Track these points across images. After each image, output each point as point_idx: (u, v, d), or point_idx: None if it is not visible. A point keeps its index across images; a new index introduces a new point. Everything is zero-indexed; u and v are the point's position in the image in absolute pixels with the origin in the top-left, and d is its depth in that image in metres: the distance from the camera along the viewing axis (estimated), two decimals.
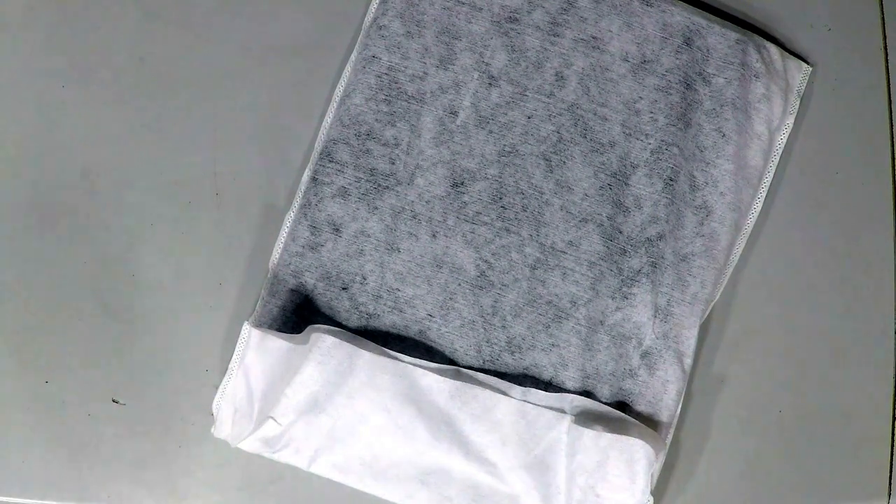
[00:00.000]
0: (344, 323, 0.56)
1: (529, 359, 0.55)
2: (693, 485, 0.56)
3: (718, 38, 0.58)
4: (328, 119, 0.58)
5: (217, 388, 0.55)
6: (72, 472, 0.55)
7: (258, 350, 0.52)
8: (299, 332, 0.54)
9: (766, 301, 0.58)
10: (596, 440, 0.51)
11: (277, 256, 0.56)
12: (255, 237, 0.58)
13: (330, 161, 0.57)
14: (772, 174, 0.59)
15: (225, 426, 0.53)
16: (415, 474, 0.53)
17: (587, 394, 0.55)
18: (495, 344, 0.55)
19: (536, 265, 0.56)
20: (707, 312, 0.57)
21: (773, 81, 0.58)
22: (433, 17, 0.58)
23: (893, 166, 0.60)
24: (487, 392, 0.53)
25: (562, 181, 0.57)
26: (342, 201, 0.56)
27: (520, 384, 0.54)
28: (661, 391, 0.55)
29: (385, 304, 0.56)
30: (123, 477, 0.55)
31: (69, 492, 0.55)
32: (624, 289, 0.56)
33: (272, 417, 0.53)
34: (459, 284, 0.56)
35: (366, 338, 0.55)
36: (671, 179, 0.57)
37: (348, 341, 0.53)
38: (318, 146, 0.58)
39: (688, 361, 0.55)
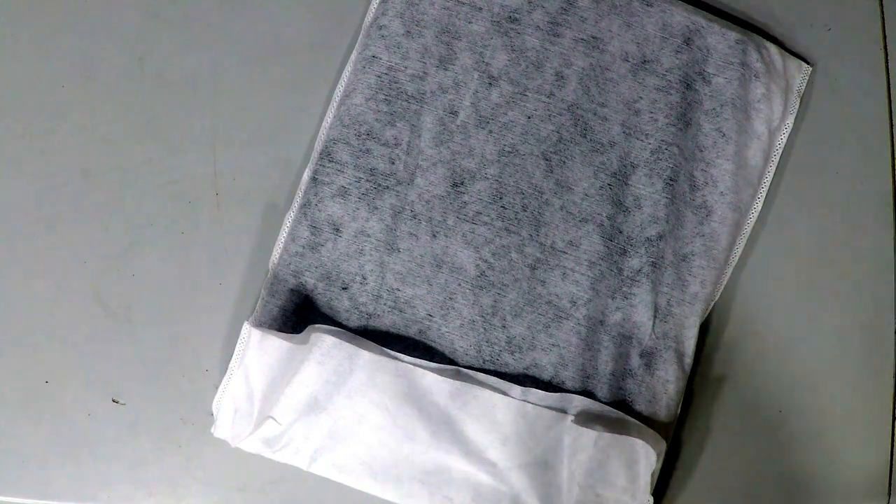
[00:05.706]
0: (344, 323, 0.56)
1: (529, 359, 0.55)
2: (693, 485, 0.56)
3: (718, 37, 0.58)
4: (328, 119, 0.58)
5: (217, 388, 0.55)
6: (72, 472, 0.55)
7: (258, 350, 0.52)
8: (299, 332, 0.54)
9: (766, 301, 0.58)
10: (596, 440, 0.51)
11: (277, 256, 0.56)
12: (255, 237, 0.58)
13: (330, 161, 0.57)
14: (772, 174, 0.59)
15: (225, 426, 0.53)
16: (415, 474, 0.53)
17: (587, 394, 0.55)
18: (495, 344, 0.55)
19: (536, 265, 0.56)
20: (707, 312, 0.57)
21: (773, 81, 0.58)
22: (433, 17, 0.58)
23: (893, 166, 0.60)
24: (487, 392, 0.53)
25: (562, 181, 0.57)
26: (342, 201, 0.56)
27: (520, 384, 0.54)
28: (661, 391, 0.55)
29: (385, 304, 0.56)
30: (123, 477, 0.55)
31: (69, 492, 0.55)
32: (624, 289, 0.56)
33: (272, 417, 0.53)
34: (459, 284, 0.56)
35: (366, 338, 0.55)
36: (671, 179, 0.57)
37: (348, 341, 0.53)
38: (318, 146, 0.58)
39: (688, 361, 0.55)
